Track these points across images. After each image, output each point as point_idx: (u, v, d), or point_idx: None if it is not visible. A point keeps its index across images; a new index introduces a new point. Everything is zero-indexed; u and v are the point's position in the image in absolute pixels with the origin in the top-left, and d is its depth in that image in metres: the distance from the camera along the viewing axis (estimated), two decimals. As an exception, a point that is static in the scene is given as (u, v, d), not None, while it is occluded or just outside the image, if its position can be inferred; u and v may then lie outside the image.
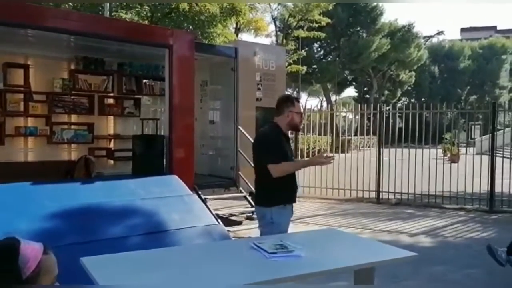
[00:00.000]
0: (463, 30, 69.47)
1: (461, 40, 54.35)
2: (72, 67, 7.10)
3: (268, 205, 3.53)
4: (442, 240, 6.65)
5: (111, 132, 7.66)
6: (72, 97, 7.06)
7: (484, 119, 13.68)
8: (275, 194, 3.54)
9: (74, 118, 7.22)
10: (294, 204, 3.71)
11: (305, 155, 11.82)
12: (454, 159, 16.67)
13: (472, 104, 26.14)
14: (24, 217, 3.88)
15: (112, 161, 7.48)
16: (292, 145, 10.78)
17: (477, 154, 10.82)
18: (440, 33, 44.04)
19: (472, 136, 19.98)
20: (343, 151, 11.79)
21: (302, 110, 3.75)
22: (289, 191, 3.60)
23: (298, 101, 3.75)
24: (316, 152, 13.76)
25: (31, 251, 1.27)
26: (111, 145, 7.60)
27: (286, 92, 14.05)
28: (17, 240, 1.29)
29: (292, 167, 3.65)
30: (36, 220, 3.88)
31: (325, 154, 3.59)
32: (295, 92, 36.07)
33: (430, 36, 44.21)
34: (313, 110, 12.49)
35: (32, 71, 6.67)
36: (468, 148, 16.57)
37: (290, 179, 3.59)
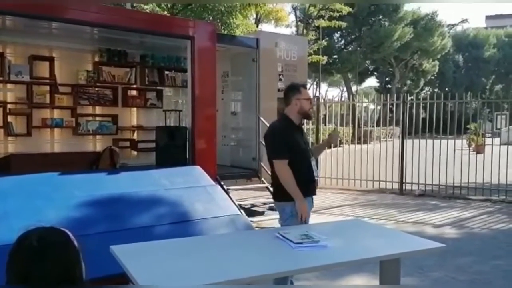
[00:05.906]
0: (488, 17, 67.74)
1: (486, 28, 53.05)
2: (96, 59, 7.18)
3: (287, 200, 3.42)
4: (467, 231, 6.55)
5: (135, 123, 7.74)
6: (97, 89, 7.16)
7: (509, 109, 13.40)
8: None
9: (98, 109, 7.32)
10: (317, 195, 3.63)
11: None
12: (479, 149, 16.33)
13: (497, 93, 25.60)
14: (54, 206, 3.95)
15: (135, 152, 7.56)
16: (313, 136, 10.73)
17: (502, 144, 10.59)
18: (464, 21, 43.01)
19: (498, 126, 19.56)
20: (364, 142, 11.69)
21: (310, 96, 3.68)
22: (306, 184, 3.45)
23: (305, 87, 3.72)
24: (339, 143, 13.62)
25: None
26: (135, 136, 7.68)
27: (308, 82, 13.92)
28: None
29: (290, 184, 3.37)
30: (65, 209, 3.95)
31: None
32: (315, 83, 35.87)
33: (454, 24, 43.22)
34: (334, 100, 12.38)
35: (57, 63, 6.77)
36: (493, 139, 16.25)
37: (306, 171, 3.49)
